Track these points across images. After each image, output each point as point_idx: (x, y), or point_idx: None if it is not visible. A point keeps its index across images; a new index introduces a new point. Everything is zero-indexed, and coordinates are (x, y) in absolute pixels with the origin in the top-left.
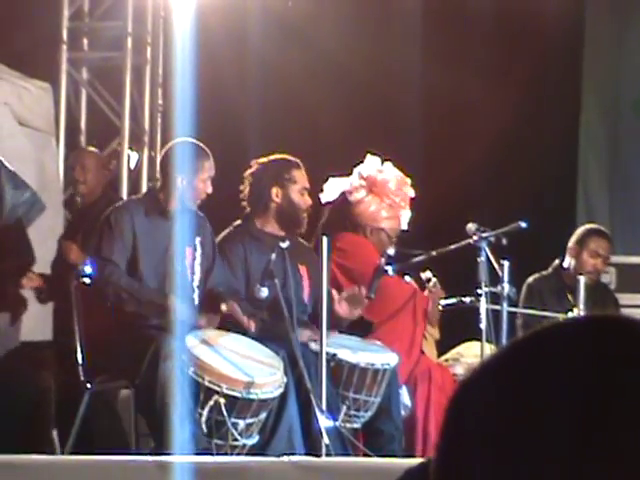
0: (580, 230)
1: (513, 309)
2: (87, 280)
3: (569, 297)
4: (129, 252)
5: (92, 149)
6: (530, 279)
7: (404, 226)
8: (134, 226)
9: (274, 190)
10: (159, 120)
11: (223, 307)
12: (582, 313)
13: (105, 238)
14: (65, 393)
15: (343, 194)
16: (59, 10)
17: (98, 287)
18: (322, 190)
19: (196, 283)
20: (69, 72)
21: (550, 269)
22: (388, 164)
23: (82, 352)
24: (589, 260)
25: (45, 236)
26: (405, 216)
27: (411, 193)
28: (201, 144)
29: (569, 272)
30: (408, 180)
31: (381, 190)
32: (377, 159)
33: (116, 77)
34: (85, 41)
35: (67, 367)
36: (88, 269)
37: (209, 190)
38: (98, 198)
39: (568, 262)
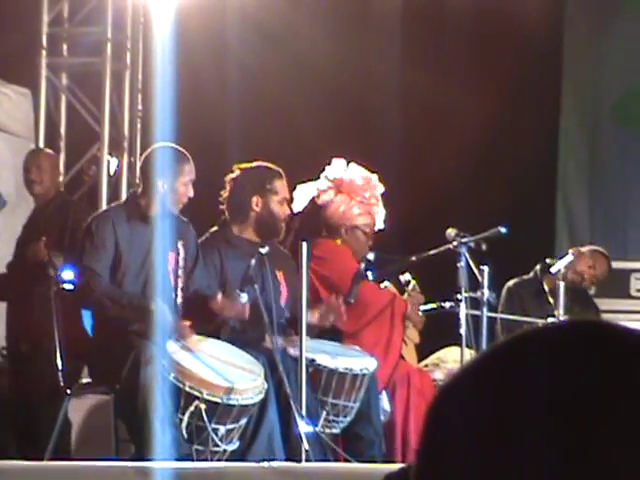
0: (591, 247)
1: (493, 314)
2: (67, 286)
3: (549, 301)
4: (111, 260)
5: (47, 150)
6: (510, 283)
7: (380, 224)
8: (116, 233)
9: (254, 199)
10: (139, 126)
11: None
12: (562, 317)
13: (87, 247)
14: (44, 398)
15: (312, 200)
16: (38, 16)
17: (79, 294)
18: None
19: (179, 285)
20: (48, 78)
21: (531, 273)
22: (353, 164)
23: (62, 358)
24: (583, 266)
25: None
26: (380, 214)
27: (380, 189)
28: (180, 148)
29: (555, 275)
30: (374, 176)
31: (349, 188)
32: (342, 161)
33: (96, 83)
34: (64, 47)
35: (46, 372)
36: (67, 275)
37: (190, 194)
38: (52, 198)
39: (563, 261)
